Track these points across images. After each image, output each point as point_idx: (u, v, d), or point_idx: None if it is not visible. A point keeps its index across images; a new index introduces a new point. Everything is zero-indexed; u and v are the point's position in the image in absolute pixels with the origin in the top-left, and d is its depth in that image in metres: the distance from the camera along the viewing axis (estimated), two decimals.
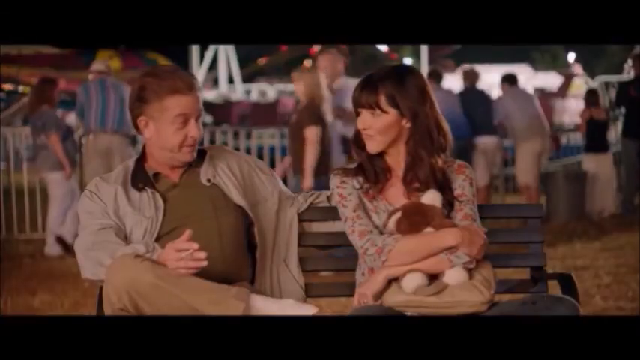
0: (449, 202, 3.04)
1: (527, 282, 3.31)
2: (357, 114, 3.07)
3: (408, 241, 2.93)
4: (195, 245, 2.88)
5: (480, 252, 2.94)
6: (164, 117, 3.10)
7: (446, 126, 3.08)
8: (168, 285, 2.82)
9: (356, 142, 3.12)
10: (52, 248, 8.70)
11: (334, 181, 3.12)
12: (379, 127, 3.02)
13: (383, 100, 3.01)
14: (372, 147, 3.06)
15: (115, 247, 2.99)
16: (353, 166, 3.14)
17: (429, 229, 2.95)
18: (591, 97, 11.36)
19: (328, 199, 3.36)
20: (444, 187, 3.05)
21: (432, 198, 2.99)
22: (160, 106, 3.10)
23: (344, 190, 3.09)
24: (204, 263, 2.88)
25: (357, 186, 3.08)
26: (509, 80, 10.85)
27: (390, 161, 3.09)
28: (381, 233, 3.01)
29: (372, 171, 3.08)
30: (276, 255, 3.24)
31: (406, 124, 3.03)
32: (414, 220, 2.95)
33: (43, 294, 6.62)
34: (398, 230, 2.96)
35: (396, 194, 3.07)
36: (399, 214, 2.97)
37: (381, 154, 3.08)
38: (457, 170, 3.10)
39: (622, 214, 10.87)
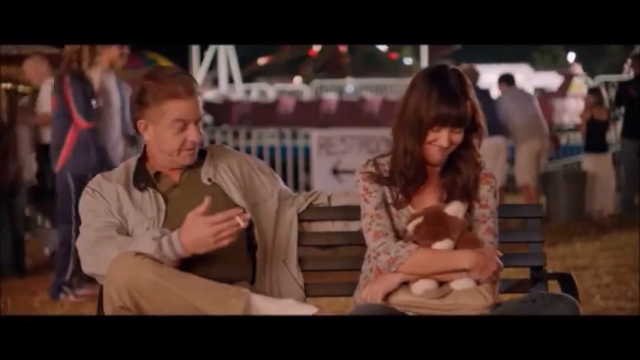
0: (472, 212, 2.99)
1: (527, 282, 3.31)
2: (430, 130, 2.89)
3: (422, 255, 2.87)
4: (238, 211, 2.93)
5: (493, 277, 2.90)
6: (162, 121, 3.09)
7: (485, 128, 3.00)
8: (169, 283, 2.82)
9: (416, 158, 2.95)
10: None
11: (363, 175, 3.00)
12: (458, 140, 2.93)
13: (470, 115, 2.91)
14: (441, 159, 2.96)
15: (121, 240, 2.99)
16: (385, 159, 3.01)
17: (447, 241, 2.90)
18: (594, 96, 11.34)
19: (328, 199, 3.35)
20: (474, 196, 2.99)
21: (455, 209, 2.92)
22: (158, 110, 3.09)
23: (370, 186, 2.99)
24: (244, 225, 2.92)
25: (389, 198, 2.97)
26: (507, 80, 10.84)
27: (429, 169, 3.01)
28: (398, 236, 2.95)
29: (415, 182, 2.97)
30: (276, 255, 3.23)
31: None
32: (434, 229, 2.89)
33: (43, 294, 6.62)
34: (416, 234, 2.90)
35: (422, 202, 2.99)
36: (420, 219, 2.91)
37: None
38: (483, 179, 3.03)
39: (622, 214, 10.87)
